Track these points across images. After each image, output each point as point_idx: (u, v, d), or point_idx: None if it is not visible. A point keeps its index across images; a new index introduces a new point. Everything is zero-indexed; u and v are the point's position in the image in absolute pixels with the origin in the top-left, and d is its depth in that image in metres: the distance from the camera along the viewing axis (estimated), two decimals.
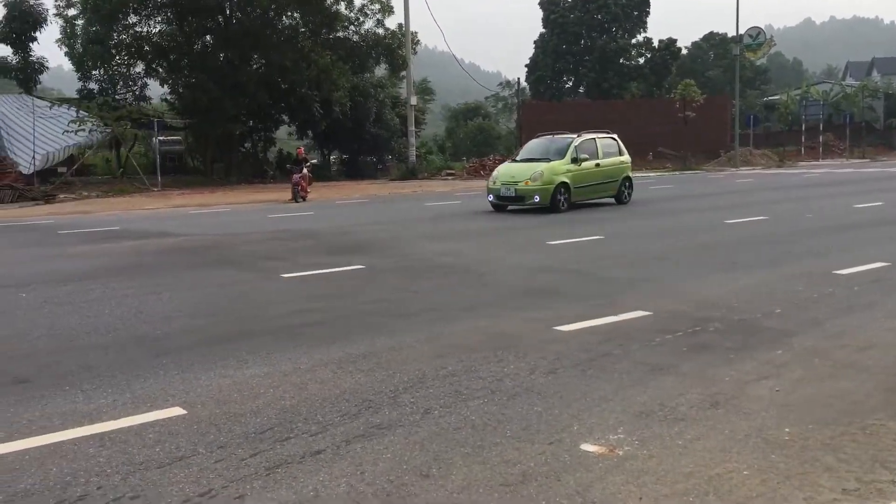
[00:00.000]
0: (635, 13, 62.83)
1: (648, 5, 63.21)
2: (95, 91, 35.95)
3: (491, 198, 17.43)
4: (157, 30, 35.78)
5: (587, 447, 3.82)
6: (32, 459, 3.80)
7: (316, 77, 34.34)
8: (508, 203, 17.13)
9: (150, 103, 38.47)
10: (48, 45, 36.73)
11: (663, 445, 3.83)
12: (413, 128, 37.77)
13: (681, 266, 9.44)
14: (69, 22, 34.33)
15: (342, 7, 35.80)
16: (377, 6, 36.37)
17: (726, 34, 70.94)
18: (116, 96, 35.87)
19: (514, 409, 4.37)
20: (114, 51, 34.52)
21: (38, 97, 35.36)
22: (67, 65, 37.76)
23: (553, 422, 4.17)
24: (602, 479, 3.47)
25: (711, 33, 78.43)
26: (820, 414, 4.23)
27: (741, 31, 44.19)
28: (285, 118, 40.23)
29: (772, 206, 16.99)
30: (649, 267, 9.41)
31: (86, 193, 27.87)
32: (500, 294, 7.84)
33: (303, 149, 28.83)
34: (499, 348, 5.64)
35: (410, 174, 35.72)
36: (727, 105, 48.93)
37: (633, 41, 63.58)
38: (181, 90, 35.25)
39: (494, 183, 17.36)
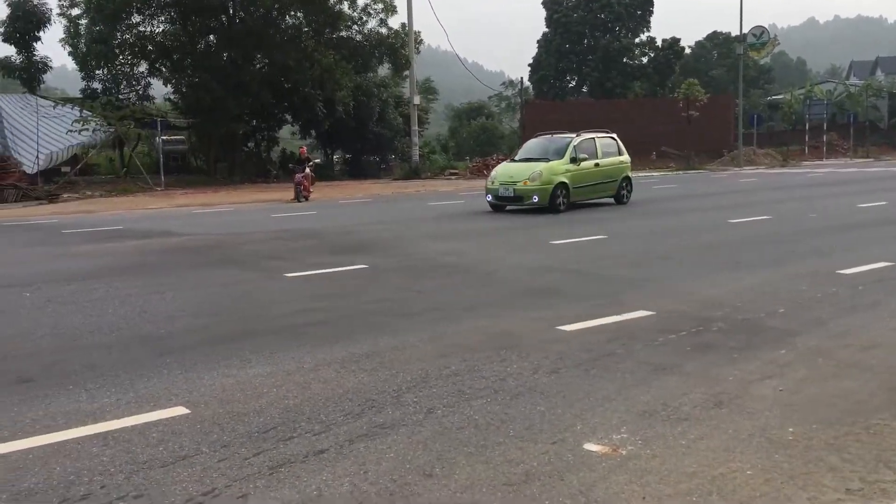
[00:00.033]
0: (639, 12, 62.72)
1: (652, 4, 63.10)
2: (99, 90, 36.02)
3: (489, 198, 17.32)
4: (161, 29, 35.83)
5: (590, 447, 3.81)
6: (36, 458, 3.80)
7: (319, 76, 34.35)
8: (507, 203, 17.04)
9: (154, 103, 38.51)
10: (52, 45, 36.79)
11: (666, 445, 3.82)
12: (416, 127, 37.78)
13: (684, 265, 9.43)
14: (73, 21, 34.36)
15: (345, 6, 35.82)
16: (380, 6, 36.37)
17: (730, 33, 70.88)
18: (120, 96, 35.91)
19: (517, 409, 4.37)
20: (117, 50, 34.55)
21: (42, 97, 35.39)
22: (71, 64, 37.79)
23: (556, 421, 4.16)
24: (605, 478, 3.47)
25: (715, 32, 78.32)
26: (824, 414, 4.22)
27: (745, 31, 44.19)
28: (288, 118, 40.25)
29: (775, 206, 16.97)
30: (652, 266, 9.40)
31: (89, 193, 27.92)
32: (503, 294, 7.84)
33: (305, 148, 28.86)
34: (502, 348, 5.63)
35: (413, 174, 35.71)
36: (731, 104, 48.83)
37: (637, 40, 63.49)
38: (184, 90, 35.28)
39: (493, 183, 17.25)
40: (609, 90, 59.34)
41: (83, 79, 36.60)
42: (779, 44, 51.11)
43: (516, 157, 18.71)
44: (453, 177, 36.05)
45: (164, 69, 35.84)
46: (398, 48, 36.95)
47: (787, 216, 14.88)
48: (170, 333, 6.41)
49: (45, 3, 35.90)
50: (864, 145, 52.25)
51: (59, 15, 34.41)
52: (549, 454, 3.73)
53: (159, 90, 39.24)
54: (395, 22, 60.38)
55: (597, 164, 17.56)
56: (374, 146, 42.73)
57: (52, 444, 3.98)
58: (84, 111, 30.92)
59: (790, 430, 3.99)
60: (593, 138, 17.98)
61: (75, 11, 34.01)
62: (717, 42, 76.74)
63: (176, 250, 12.23)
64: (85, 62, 34.64)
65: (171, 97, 37.67)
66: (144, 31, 35.27)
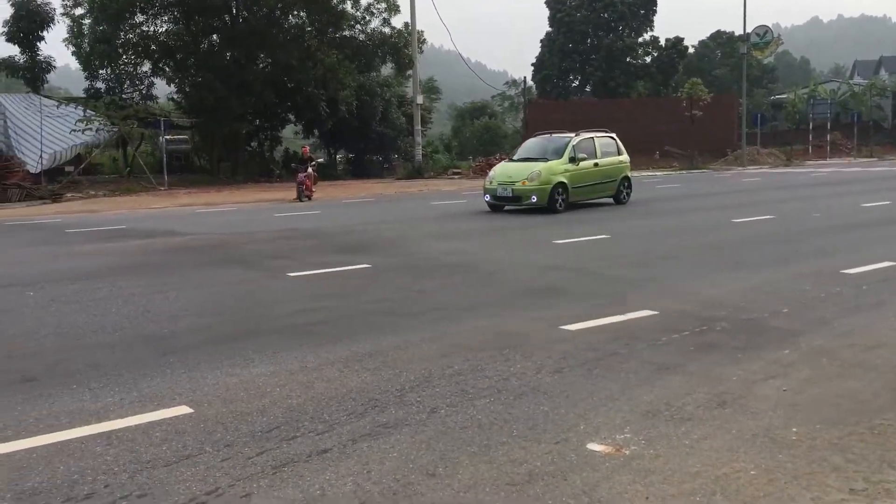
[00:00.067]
0: (642, 12, 62.71)
1: (655, 4, 63.08)
2: (102, 90, 36.09)
3: (487, 198, 17.19)
4: (164, 29, 35.89)
5: (594, 446, 3.81)
6: (40, 458, 3.81)
7: (322, 76, 34.38)
8: (505, 203, 16.90)
9: (157, 102, 38.57)
10: (55, 45, 36.87)
11: (670, 445, 3.82)
12: (419, 127, 37.78)
13: (687, 265, 9.42)
14: (76, 21, 34.45)
15: (348, 6, 35.85)
16: (383, 5, 36.39)
17: (733, 33, 70.82)
18: (123, 95, 36.00)
19: (520, 409, 4.36)
20: (120, 50, 34.61)
21: (46, 96, 35.48)
22: (74, 64, 37.93)
23: (559, 421, 4.16)
24: (608, 478, 3.46)
25: (718, 32, 78.28)
26: (827, 414, 4.22)
27: (748, 30, 44.13)
28: (291, 117, 40.29)
29: (779, 205, 16.94)
30: (655, 266, 9.39)
31: (93, 192, 27.97)
32: (506, 293, 7.83)
33: (308, 148, 28.86)
34: (505, 347, 5.63)
35: (416, 173, 35.71)
36: (734, 104, 48.75)
37: (640, 40, 63.50)
38: (188, 89, 35.34)
39: (491, 183, 17.12)
40: (612, 90, 59.32)
41: (87, 78, 36.69)
42: (782, 43, 50.98)
43: (515, 157, 18.56)
44: (456, 176, 36.03)
45: (167, 69, 35.90)
46: (401, 47, 36.98)
47: (791, 216, 14.85)
48: (173, 333, 6.41)
49: (48, 3, 36.01)
50: (868, 145, 52.15)
51: (63, 15, 34.57)
52: (553, 454, 3.73)
53: (163, 90, 39.32)
54: (398, 21, 60.47)
55: (596, 164, 17.42)
56: (377, 146, 42.77)
57: (56, 443, 3.99)
58: (87, 111, 31.00)
59: (794, 430, 3.98)
60: (592, 138, 17.83)
61: (79, 11, 34.15)
62: (720, 41, 76.68)
63: (179, 250, 12.24)
64: (88, 62, 34.72)
65: (175, 97, 37.73)
66: (148, 31, 35.34)
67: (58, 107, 31.80)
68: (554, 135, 18.49)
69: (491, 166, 34.88)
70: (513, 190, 16.55)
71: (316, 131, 41.63)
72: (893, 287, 7.69)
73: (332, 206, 21.30)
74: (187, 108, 35.89)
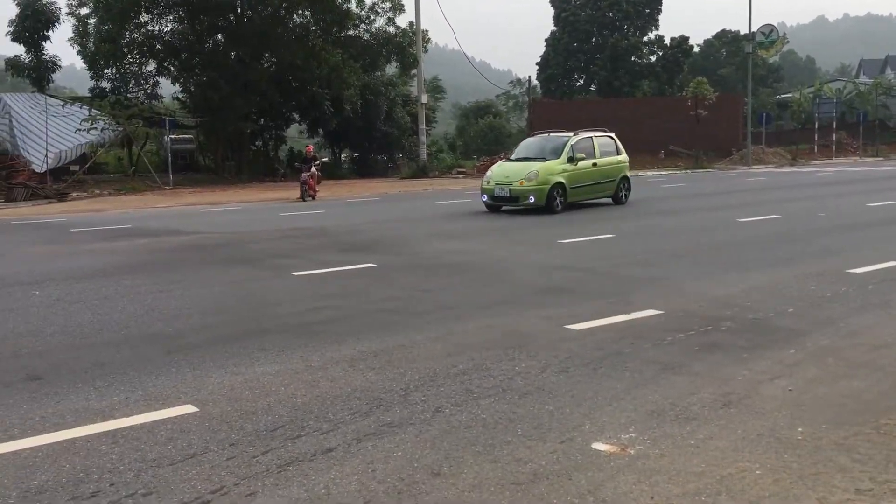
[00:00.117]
0: (647, 11, 62.62)
1: (660, 3, 62.98)
2: (107, 89, 36.16)
3: (485, 198, 17.01)
4: (169, 28, 35.91)
5: (599, 446, 3.81)
6: (46, 456, 3.82)
7: (327, 75, 34.39)
8: (503, 203, 16.71)
9: (162, 102, 38.64)
10: (61, 44, 36.97)
11: (675, 444, 3.81)
12: (424, 126, 37.75)
13: (693, 265, 9.40)
14: (81, 21, 34.52)
15: (353, 5, 35.82)
16: (388, 4, 36.37)
17: (739, 32, 70.60)
18: (128, 95, 36.04)
19: (525, 408, 4.36)
20: (126, 49, 34.66)
21: (51, 96, 35.52)
22: (80, 63, 37.94)
23: (564, 420, 4.16)
24: (613, 478, 3.46)
25: (724, 31, 77.97)
26: (833, 413, 4.20)
27: (754, 29, 43.99)
28: (296, 116, 40.30)
29: (784, 205, 16.90)
30: (661, 266, 9.37)
31: (98, 191, 28.04)
32: (511, 292, 7.83)
33: (312, 147, 28.88)
34: (510, 346, 5.63)
35: (421, 172, 35.70)
36: (739, 103, 48.66)
37: (645, 39, 63.38)
38: (192, 88, 35.37)
39: (488, 183, 16.92)
40: (617, 89, 59.22)
41: (92, 78, 36.75)
42: (788, 42, 50.81)
43: (513, 157, 18.33)
44: (461, 175, 36.02)
45: (172, 68, 35.94)
46: (406, 47, 36.95)
47: (797, 215, 14.82)
48: (178, 332, 6.42)
49: (53, 3, 36.08)
50: (874, 144, 51.97)
51: (68, 14, 34.62)
52: (558, 453, 3.73)
53: (167, 89, 39.36)
54: (402, 21, 60.56)
55: (594, 164, 17.22)
56: (382, 145, 42.78)
57: (62, 441, 4.00)
58: (93, 110, 31.05)
59: (799, 429, 3.97)
60: (591, 137, 17.64)
61: (84, 11, 34.21)
62: (725, 40, 76.40)
63: (184, 249, 12.26)
64: (93, 61, 34.79)
65: (180, 96, 37.77)
66: (152, 30, 35.38)
67: (63, 106, 31.86)
68: (552, 134, 18.28)
69: None
70: (510, 190, 16.37)
71: (320, 130, 41.65)
72: None
73: (337, 205, 21.31)
74: (192, 108, 35.94)
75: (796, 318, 6.38)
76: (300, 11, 35.71)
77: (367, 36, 37.21)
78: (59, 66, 38.06)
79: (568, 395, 4.55)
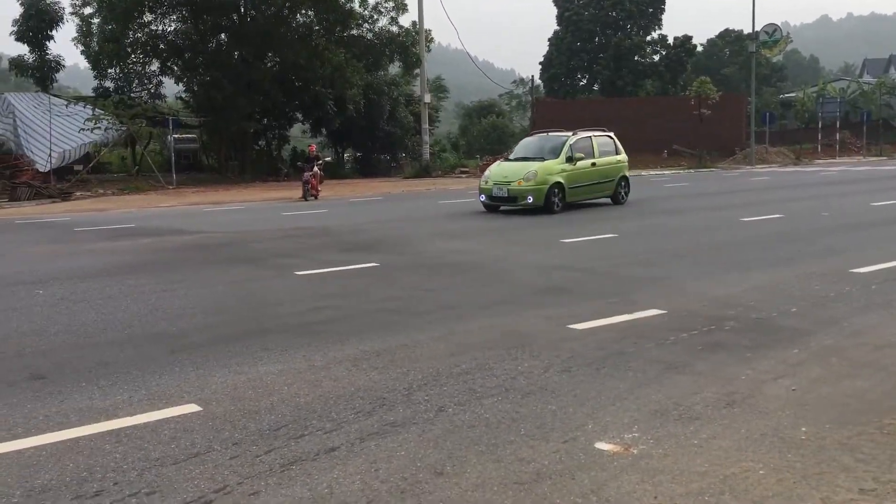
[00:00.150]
0: (650, 10, 62.54)
1: (663, 2, 62.88)
2: (111, 89, 36.20)
3: (483, 198, 16.89)
4: (172, 28, 35.94)
5: (602, 445, 3.81)
6: (49, 455, 3.83)
7: (330, 75, 34.39)
8: (501, 204, 16.60)
9: (165, 101, 38.65)
10: (64, 44, 36.94)
11: (678, 444, 3.81)
12: (427, 125, 37.76)
13: (696, 264, 9.39)
14: (85, 20, 34.53)
15: (356, 5, 35.83)
16: (391, 4, 36.34)
17: (742, 31, 70.53)
18: (132, 94, 36.08)
19: (528, 408, 4.36)
20: (129, 49, 34.69)
21: (55, 95, 35.56)
22: (83, 63, 37.99)
23: (567, 420, 4.16)
24: (617, 477, 3.46)
25: (727, 30, 77.91)
26: (837, 413, 4.20)
27: (757, 28, 43.95)
28: (299, 116, 40.31)
29: (788, 205, 16.87)
30: (663, 265, 9.36)
31: (101, 191, 28.08)
32: (514, 292, 7.83)
33: (315, 146, 28.90)
34: (513, 346, 5.63)
35: (424, 172, 35.70)
36: (743, 102, 48.57)
37: (648, 38, 63.30)
38: (196, 88, 35.39)
39: (486, 183, 16.80)
40: (620, 88, 59.16)
41: (95, 77, 36.79)
42: (791, 41, 50.82)
43: (511, 157, 18.22)
44: (464, 175, 36.02)
45: (175, 68, 35.97)
46: (409, 46, 36.92)
47: (800, 215, 14.80)
48: (181, 331, 6.43)
49: (57, 3, 36.10)
50: (878, 144, 51.88)
51: (72, 14, 34.62)
52: (561, 453, 3.72)
53: (171, 89, 39.39)
54: (405, 20, 60.56)
55: (593, 164, 17.12)
56: (385, 144, 42.76)
57: (66, 440, 4.01)
58: (96, 110, 31.07)
59: (803, 429, 3.97)
60: (590, 137, 17.53)
61: (88, 10, 34.21)
62: (729, 40, 76.33)
63: (187, 248, 12.27)
64: (97, 61, 34.81)
65: (183, 95, 37.82)
66: (156, 30, 35.42)
67: (67, 106, 31.91)
68: (551, 134, 18.20)
69: None
70: (508, 190, 16.26)
71: (324, 130, 41.66)
72: None
73: (340, 204, 21.32)
74: (195, 107, 35.97)
75: (800, 317, 6.38)
76: (303, 11, 35.71)
77: (370, 35, 37.21)
78: (63, 66, 38.08)
79: (571, 395, 4.55)
